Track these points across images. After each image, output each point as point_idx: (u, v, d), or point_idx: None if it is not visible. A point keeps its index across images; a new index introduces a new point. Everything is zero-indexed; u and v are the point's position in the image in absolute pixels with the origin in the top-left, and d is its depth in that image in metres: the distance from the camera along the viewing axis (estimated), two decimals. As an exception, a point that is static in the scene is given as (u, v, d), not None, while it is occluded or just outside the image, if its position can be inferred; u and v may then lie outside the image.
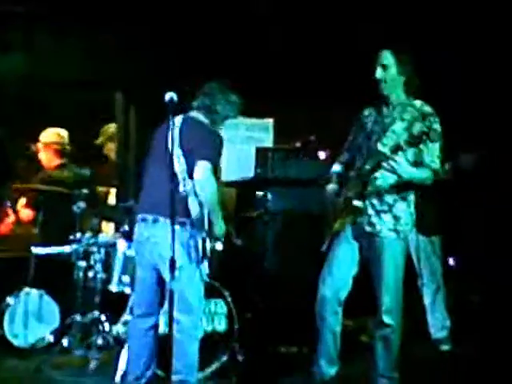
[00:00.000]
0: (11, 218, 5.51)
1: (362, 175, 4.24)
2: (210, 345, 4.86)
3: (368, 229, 4.29)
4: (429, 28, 6.19)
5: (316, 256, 4.59)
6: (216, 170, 4.19)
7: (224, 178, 6.82)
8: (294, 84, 6.62)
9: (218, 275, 5.03)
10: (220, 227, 4.22)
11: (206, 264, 4.17)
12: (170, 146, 3.95)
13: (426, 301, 5.52)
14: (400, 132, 4.17)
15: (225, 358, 4.87)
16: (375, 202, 4.27)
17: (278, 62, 6.66)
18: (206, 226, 4.18)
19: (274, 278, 5.56)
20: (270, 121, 7.24)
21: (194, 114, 4.34)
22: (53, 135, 6.06)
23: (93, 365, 4.93)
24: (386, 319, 4.28)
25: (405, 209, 4.28)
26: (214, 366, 4.83)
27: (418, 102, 4.31)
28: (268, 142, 7.18)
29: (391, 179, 4.17)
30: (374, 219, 4.27)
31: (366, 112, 4.48)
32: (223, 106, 4.32)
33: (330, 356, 4.45)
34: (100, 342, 5.03)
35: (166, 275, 3.97)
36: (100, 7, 6.26)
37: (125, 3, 6.29)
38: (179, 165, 4.12)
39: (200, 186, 4.06)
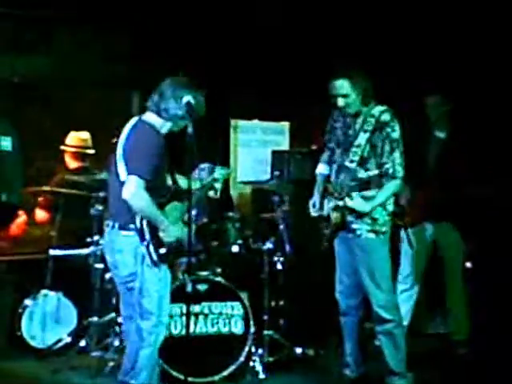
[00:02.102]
0: (22, 219, 5.53)
1: (341, 192, 4.37)
2: (227, 347, 4.90)
3: (350, 235, 4.45)
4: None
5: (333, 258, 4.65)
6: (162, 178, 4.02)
7: (240, 180, 6.87)
8: (310, 87, 6.62)
9: (234, 277, 5.08)
10: (169, 234, 3.98)
11: (163, 268, 4.05)
12: (118, 152, 3.99)
13: (449, 304, 5.50)
14: (363, 144, 4.31)
15: (241, 360, 4.89)
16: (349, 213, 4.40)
17: (294, 65, 6.67)
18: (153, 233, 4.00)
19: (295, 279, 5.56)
20: (286, 124, 7.26)
21: (145, 116, 4.11)
22: (73, 139, 6.10)
23: (110, 366, 4.94)
24: (384, 314, 4.43)
25: (381, 211, 4.40)
26: (232, 368, 4.86)
27: (376, 111, 4.37)
28: (284, 145, 7.20)
29: (367, 207, 4.29)
30: (354, 225, 4.41)
31: (335, 115, 4.57)
32: (172, 105, 4.01)
33: (355, 357, 4.66)
34: (117, 343, 5.05)
35: (121, 281, 4.08)
36: (117, 10, 6.31)
37: (143, 6, 6.33)
38: (122, 172, 3.98)
39: (129, 202, 3.87)
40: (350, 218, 4.40)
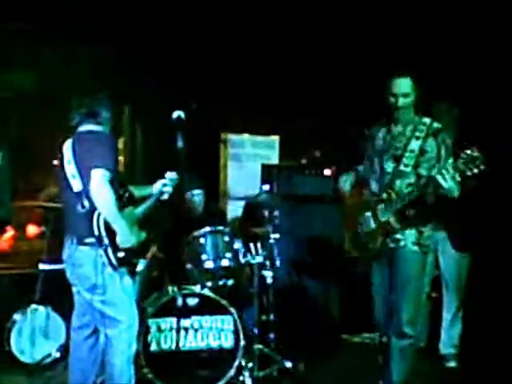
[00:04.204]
0: (10, 234, 5.51)
1: (397, 197, 4.33)
2: (217, 361, 4.90)
3: (392, 245, 4.40)
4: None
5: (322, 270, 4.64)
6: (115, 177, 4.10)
7: (230, 195, 6.89)
8: (300, 101, 6.67)
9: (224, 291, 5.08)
10: (124, 239, 4.06)
11: (124, 274, 4.15)
12: (66, 167, 4.11)
13: (447, 316, 5.48)
14: (417, 150, 4.34)
15: (232, 374, 4.88)
16: (404, 220, 4.36)
17: (284, 78, 6.70)
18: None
19: (285, 293, 5.56)
20: (276, 138, 7.28)
21: (82, 128, 4.26)
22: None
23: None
24: (408, 330, 4.37)
25: (428, 224, 4.40)
26: (222, 383, 4.84)
27: (427, 120, 4.44)
28: (274, 159, 7.22)
29: (412, 195, 4.27)
30: (398, 235, 4.38)
31: (376, 130, 4.57)
32: (103, 108, 4.27)
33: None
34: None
35: (85, 294, 4.16)
36: (106, 23, 6.33)
37: (132, 20, 6.35)
38: (76, 183, 4.11)
39: (93, 195, 3.98)
40: (397, 226, 4.34)
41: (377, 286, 4.53)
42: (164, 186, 4.61)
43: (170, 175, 4.63)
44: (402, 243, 4.37)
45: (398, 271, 4.39)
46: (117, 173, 4.13)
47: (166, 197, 4.63)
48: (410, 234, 4.36)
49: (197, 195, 5.65)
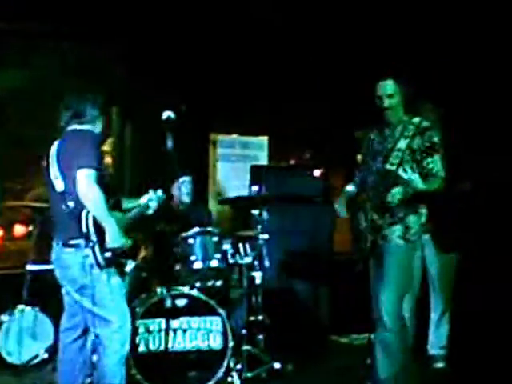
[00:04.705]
0: (-1, 233, 5.50)
1: (378, 195, 4.43)
2: (206, 362, 4.89)
3: (380, 242, 4.47)
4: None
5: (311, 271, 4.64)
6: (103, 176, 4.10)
7: (219, 195, 6.87)
8: (289, 102, 6.67)
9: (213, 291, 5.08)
10: (113, 238, 4.04)
11: (112, 273, 4.14)
12: (50, 167, 4.12)
13: (434, 317, 5.50)
14: (404, 149, 4.44)
15: (220, 375, 4.87)
16: (387, 216, 4.45)
17: (273, 79, 6.70)
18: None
19: (274, 294, 5.57)
20: (265, 138, 7.28)
21: (69, 128, 4.26)
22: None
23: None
24: (387, 320, 4.38)
25: (416, 220, 4.47)
26: (211, 383, 4.83)
27: (416, 120, 4.54)
28: (263, 159, 7.22)
29: (400, 194, 4.36)
30: (386, 231, 4.46)
31: (373, 134, 4.67)
32: (88, 107, 4.25)
33: None
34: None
35: (75, 295, 4.15)
36: (96, 24, 6.31)
37: (121, 20, 6.33)
38: (59, 183, 4.11)
39: (81, 195, 3.97)
40: (383, 223, 4.43)
41: (373, 285, 4.56)
42: (150, 200, 4.58)
43: (158, 193, 4.60)
44: (389, 238, 4.44)
45: (384, 264, 4.45)
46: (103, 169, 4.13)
47: (150, 212, 4.60)
48: (396, 229, 4.43)
49: (186, 182, 5.63)
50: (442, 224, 5.18)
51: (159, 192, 4.63)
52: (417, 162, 4.39)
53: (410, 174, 4.28)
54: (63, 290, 4.32)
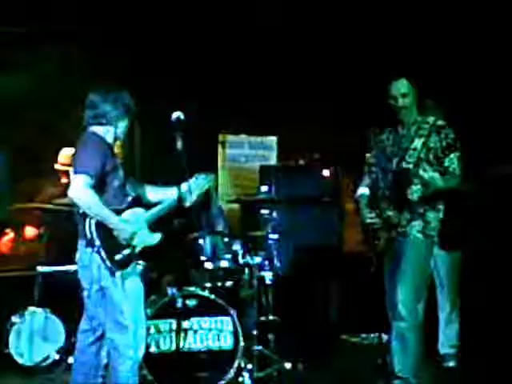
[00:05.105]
0: (9, 236, 5.50)
1: (397, 194, 4.47)
2: (217, 362, 4.89)
3: (400, 238, 4.50)
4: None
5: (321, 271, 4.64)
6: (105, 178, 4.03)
7: (228, 196, 6.86)
8: (298, 102, 6.66)
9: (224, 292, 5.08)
10: (122, 230, 4.01)
11: (131, 278, 4.09)
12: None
13: (442, 316, 5.49)
14: (419, 148, 4.47)
15: (231, 376, 4.87)
16: (406, 213, 4.49)
17: (283, 80, 6.70)
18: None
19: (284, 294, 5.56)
20: (274, 138, 7.27)
21: (88, 130, 4.19)
22: (62, 156, 6.05)
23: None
24: (403, 311, 4.40)
25: (435, 216, 4.53)
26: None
27: (431, 119, 4.57)
28: (272, 159, 7.21)
29: (419, 192, 4.40)
30: (405, 228, 4.50)
31: (384, 135, 4.69)
32: (108, 108, 4.12)
33: None
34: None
35: (93, 298, 4.10)
36: (104, 23, 6.33)
37: (131, 20, 6.34)
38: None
39: (75, 201, 3.97)
40: (403, 222, 4.47)
41: (387, 281, 4.59)
42: (191, 187, 4.25)
43: (201, 178, 4.34)
44: (407, 233, 4.48)
45: (401, 257, 4.48)
46: (114, 174, 4.07)
47: (187, 204, 4.28)
48: (416, 224, 4.48)
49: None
50: (446, 222, 5.18)
51: (202, 177, 4.36)
52: (436, 159, 4.43)
53: (430, 173, 4.34)
54: (84, 293, 4.23)
